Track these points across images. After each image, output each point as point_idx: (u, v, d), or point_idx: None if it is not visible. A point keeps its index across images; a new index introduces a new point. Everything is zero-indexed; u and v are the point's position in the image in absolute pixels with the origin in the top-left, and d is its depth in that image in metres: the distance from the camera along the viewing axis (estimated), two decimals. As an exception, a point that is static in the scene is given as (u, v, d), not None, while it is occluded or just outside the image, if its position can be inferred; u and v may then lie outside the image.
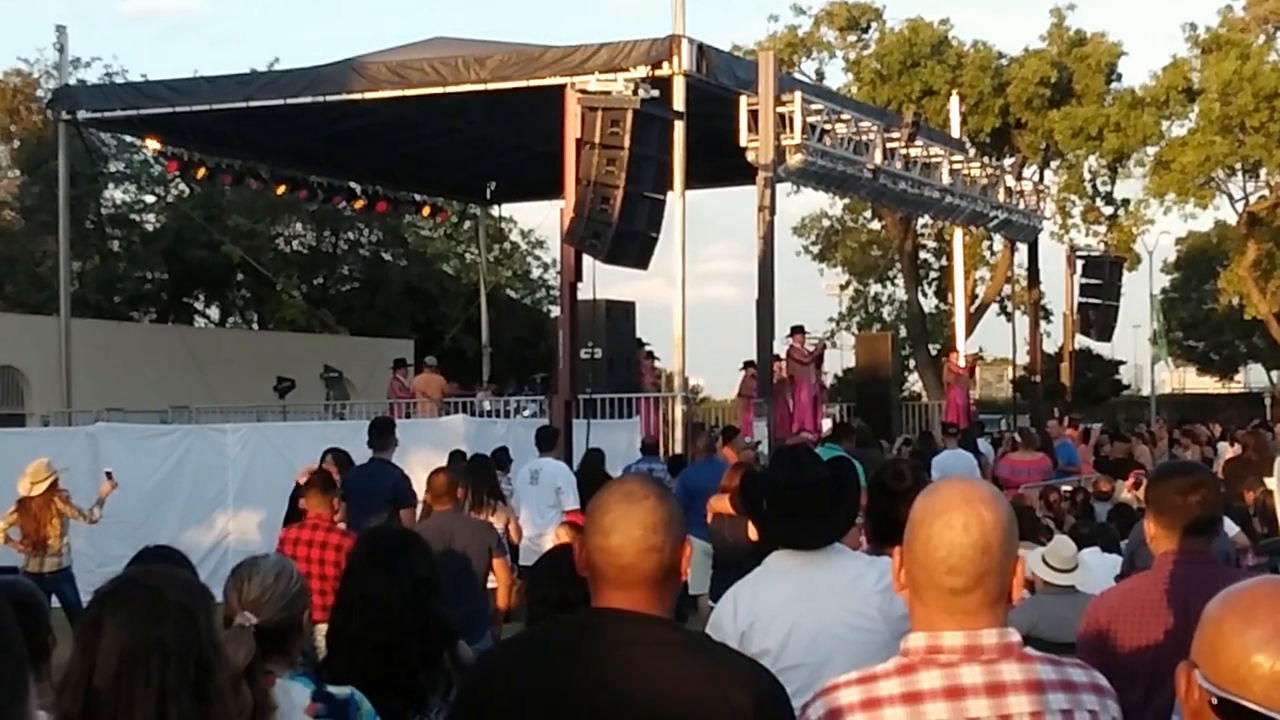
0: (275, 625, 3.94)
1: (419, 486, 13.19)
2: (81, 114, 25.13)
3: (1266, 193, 46.66)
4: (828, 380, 30.44)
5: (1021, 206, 30.15)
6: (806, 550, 4.77)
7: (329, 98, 22.71)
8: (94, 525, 14.20)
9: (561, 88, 19.55)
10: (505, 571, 10.18)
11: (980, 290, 47.91)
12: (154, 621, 2.79)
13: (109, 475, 14.51)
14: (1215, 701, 2.06)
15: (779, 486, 4.92)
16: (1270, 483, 12.33)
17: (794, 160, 21.25)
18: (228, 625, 3.92)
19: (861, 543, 5.33)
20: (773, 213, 20.79)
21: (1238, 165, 44.93)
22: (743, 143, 20.81)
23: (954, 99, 36.03)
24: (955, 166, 26.95)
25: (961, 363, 29.75)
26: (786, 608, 4.63)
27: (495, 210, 38.98)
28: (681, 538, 3.06)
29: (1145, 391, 61.59)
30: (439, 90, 21.80)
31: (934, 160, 26.20)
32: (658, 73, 19.65)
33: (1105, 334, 35.63)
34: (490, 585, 10.14)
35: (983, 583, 2.80)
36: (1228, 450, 22.87)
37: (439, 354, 27.61)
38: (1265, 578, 2.18)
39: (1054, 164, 47.51)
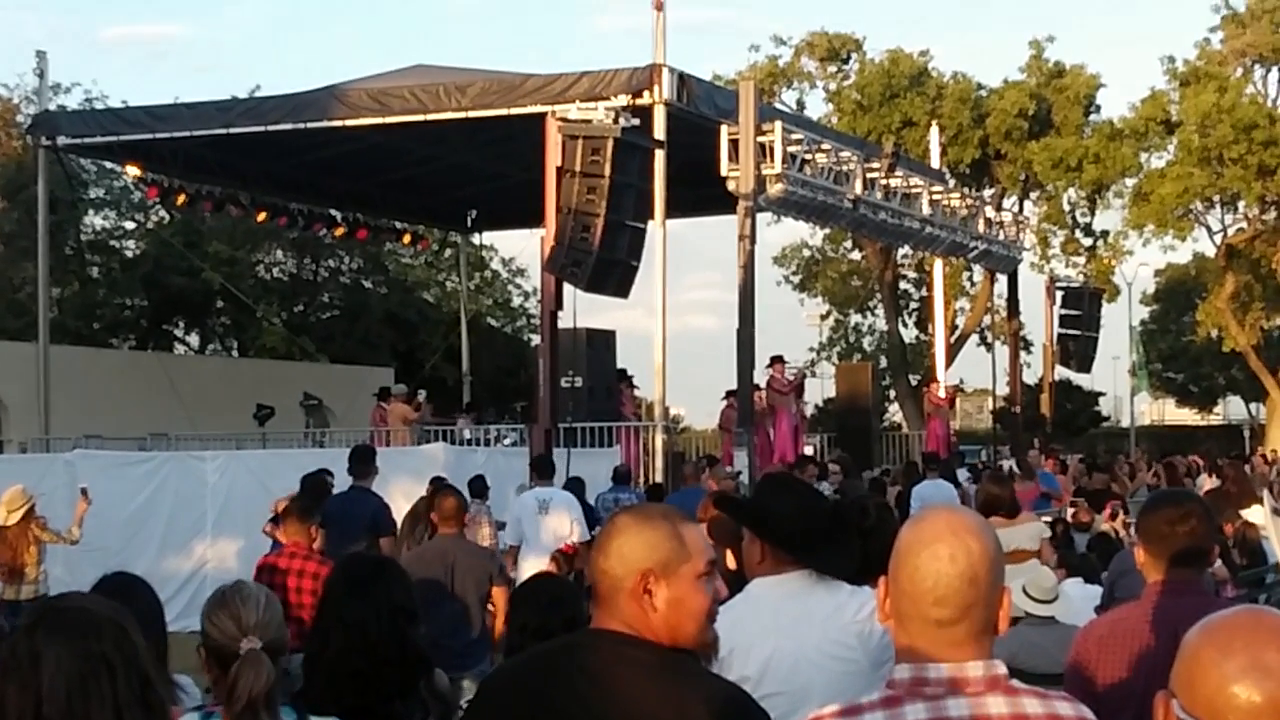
0: (275, 648, 3.91)
1: (399, 515, 13.16)
2: (61, 140, 25.09)
3: (1245, 225, 46.85)
4: (808, 410, 30.43)
5: (1001, 237, 30.28)
6: (828, 575, 4.75)
7: (310, 124, 22.71)
8: (75, 546, 14.12)
9: (542, 116, 19.58)
10: (504, 600, 10.11)
11: (960, 321, 48.01)
12: (93, 639, 2.75)
13: (84, 492, 14.44)
14: (1191, 732, 2.06)
15: (801, 511, 4.86)
16: (1250, 514, 12.36)
17: (774, 190, 21.31)
18: (219, 654, 3.86)
19: None
20: (753, 242, 20.84)
21: (1216, 197, 45.12)
22: (723, 172, 20.86)
23: (934, 130, 36.20)
24: (935, 197, 27.05)
25: (942, 393, 29.83)
26: (766, 635, 4.62)
27: (476, 238, 38.97)
28: (646, 568, 3.08)
29: (1125, 423, 61.68)
30: (420, 118, 21.81)
31: (914, 191, 26.30)
32: (638, 101, 19.69)
33: (1085, 365, 35.74)
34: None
35: (969, 614, 2.78)
36: (1206, 482, 22.90)
37: (419, 382, 27.56)
38: (1244, 607, 2.18)
39: (1033, 195, 47.73)
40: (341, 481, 12.66)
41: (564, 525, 13.78)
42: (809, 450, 25.35)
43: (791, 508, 4.82)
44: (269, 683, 3.66)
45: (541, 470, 15.09)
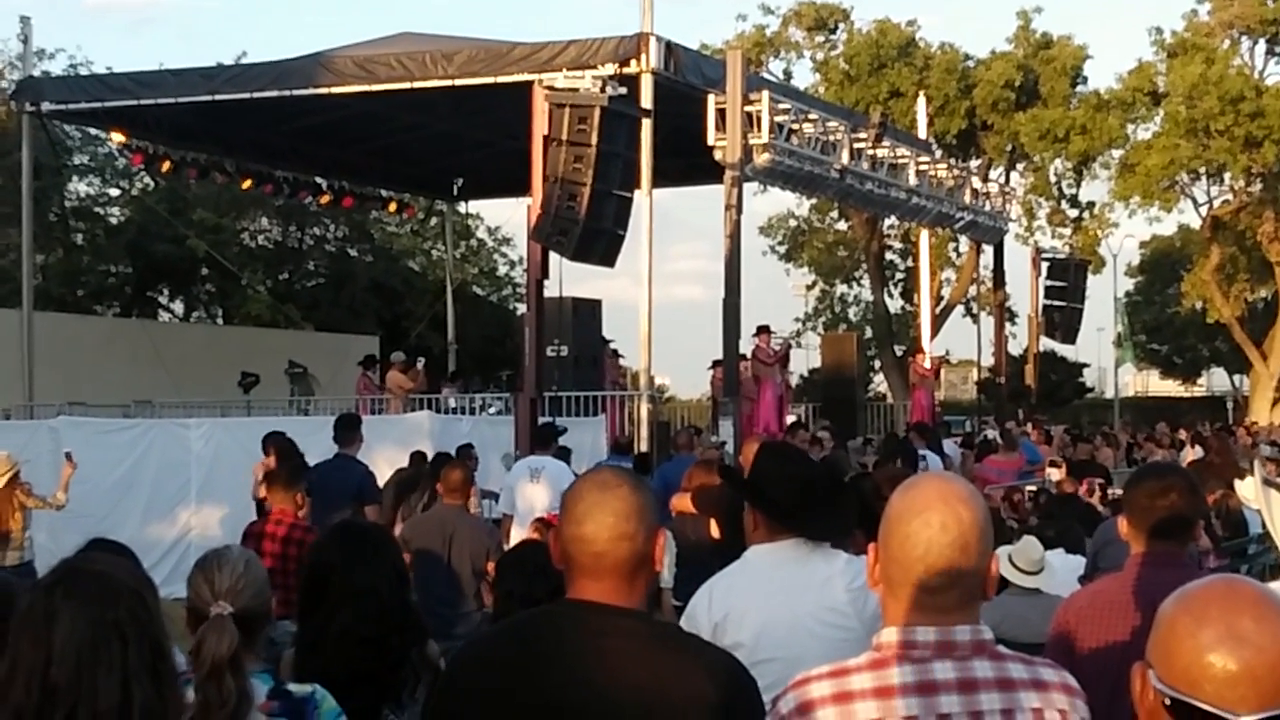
0: (249, 614, 3.93)
1: (382, 483, 13.17)
2: (46, 106, 24.96)
3: (1230, 197, 46.88)
4: (793, 380, 30.45)
5: (987, 208, 30.26)
6: (820, 540, 4.76)
7: (295, 92, 22.61)
8: (60, 511, 14.12)
9: (529, 84, 19.52)
10: None
11: (946, 292, 48.05)
12: (109, 606, 2.75)
13: (68, 456, 14.44)
14: (1169, 702, 2.07)
15: (789, 479, 4.88)
16: (1240, 487, 12.39)
17: (761, 159, 21.28)
18: (195, 616, 3.89)
19: None
20: (740, 212, 20.81)
21: (1202, 169, 45.14)
22: (710, 141, 20.81)
23: (921, 100, 36.17)
24: (922, 168, 27.02)
25: (927, 364, 29.84)
26: (761, 602, 4.64)
27: (462, 207, 38.90)
28: (655, 527, 3.08)
29: (1109, 394, 61.84)
30: (406, 86, 21.73)
31: (900, 161, 26.27)
32: (625, 70, 19.63)
33: (1069, 336, 35.79)
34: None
35: (959, 581, 2.80)
36: (1189, 453, 22.98)
37: (405, 351, 27.53)
38: (1219, 577, 2.19)
39: (1020, 166, 47.71)
40: (327, 449, 12.66)
41: (545, 496, 13.73)
42: (790, 420, 25.35)
43: (787, 478, 4.85)
44: (231, 647, 3.67)
45: (539, 439, 15.09)
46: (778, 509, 4.78)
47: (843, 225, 51.29)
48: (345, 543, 5.10)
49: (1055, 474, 16.18)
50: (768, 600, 4.65)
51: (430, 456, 14.74)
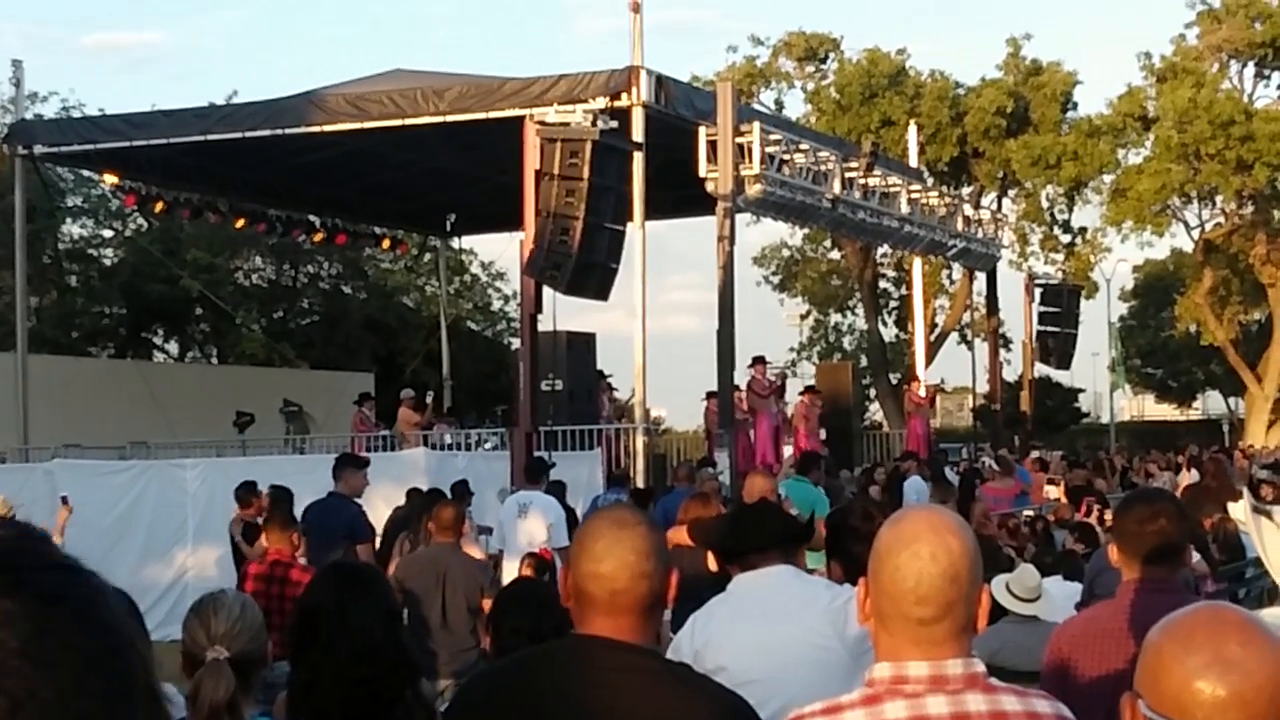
0: (245, 658, 3.92)
1: (377, 520, 13.16)
2: (38, 148, 25.02)
3: (1222, 220, 47.01)
4: (789, 411, 30.43)
5: (980, 235, 30.30)
6: (749, 555, 4.81)
7: (288, 130, 22.66)
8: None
9: (520, 119, 19.56)
10: None
11: (940, 319, 48.11)
12: None
13: (64, 500, 14.41)
14: (1158, 729, 2.08)
15: (733, 514, 4.98)
16: (1234, 509, 12.39)
17: (753, 190, 21.31)
18: (192, 661, 3.89)
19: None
20: (732, 243, 20.83)
21: (1193, 192, 45.27)
22: (702, 173, 20.84)
23: (912, 129, 36.24)
24: (914, 196, 27.06)
25: (922, 392, 29.86)
26: (740, 625, 4.69)
27: (455, 242, 38.93)
28: (669, 566, 3.10)
29: (1104, 419, 61.84)
30: (398, 122, 21.79)
31: (892, 190, 26.31)
32: (616, 104, 19.68)
33: (1064, 362, 35.81)
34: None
35: (950, 612, 2.80)
36: (1185, 477, 22.97)
37: (399, 387, 27.52)
38: (1204, 604, 2.21)
39: (1012, 193, 47.82)
40: (324, 488, 12.63)
41: (538, 530, 13.70)
42: (788, 450, 25.32)
43: (765, 537, 4.92)
44: (228, 692, 3.67)
45: (528, 473, 15.10)
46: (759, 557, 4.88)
47: (836, 255, 51.36)
48: (337, 582, 5.09)
49: (1054, 491, 16.20)
50: (749, 624, 4.68)
51: (425, 492, 14.73)
